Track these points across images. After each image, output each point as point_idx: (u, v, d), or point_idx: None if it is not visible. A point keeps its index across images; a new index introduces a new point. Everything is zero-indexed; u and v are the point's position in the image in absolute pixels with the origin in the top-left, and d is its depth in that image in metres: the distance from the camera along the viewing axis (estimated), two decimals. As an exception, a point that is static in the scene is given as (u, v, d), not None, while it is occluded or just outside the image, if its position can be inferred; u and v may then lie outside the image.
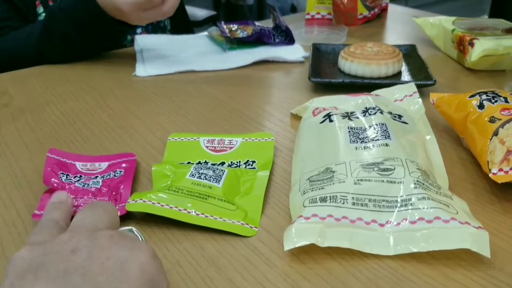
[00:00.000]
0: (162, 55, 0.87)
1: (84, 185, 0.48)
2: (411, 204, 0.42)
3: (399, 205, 0.42)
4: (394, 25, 1.08)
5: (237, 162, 0.54)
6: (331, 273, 0.39)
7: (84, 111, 0.68)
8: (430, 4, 3.92)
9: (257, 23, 0.95)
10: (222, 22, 0.93)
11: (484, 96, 0.53)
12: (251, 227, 0.45)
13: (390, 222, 0.41)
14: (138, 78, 0.79)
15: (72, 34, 0.81)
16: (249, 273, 0.40)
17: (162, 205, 0.44)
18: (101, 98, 0.72)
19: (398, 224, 0.41)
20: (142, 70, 0.81)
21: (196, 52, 0.89)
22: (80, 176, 0.50)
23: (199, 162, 0.53)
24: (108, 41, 0.87)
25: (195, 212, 0.45)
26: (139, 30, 0.99)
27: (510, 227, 0.44)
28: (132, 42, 0.95)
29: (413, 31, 0.99)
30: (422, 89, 0.70)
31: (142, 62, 0.84)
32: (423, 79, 0.71)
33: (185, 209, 0.45)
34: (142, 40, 0.91)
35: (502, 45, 0.75)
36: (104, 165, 0.53)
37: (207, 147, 0.56)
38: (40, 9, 0.92)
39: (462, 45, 0.79)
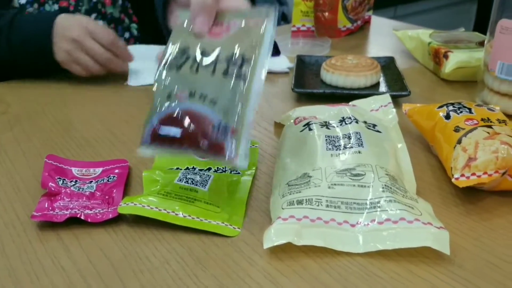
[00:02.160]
0: (154, 65, 0.90)
1: (79, 189, 0.52)
2: (379, 206, 0.46)
3: (368, 207, 0.46)
4: (377, 37, 1.13)
5: (223, 168, 0.57)
6: (306, 270, 0.43)
7: (79, 119, 0.72)
8: (418, 12, 3.99)
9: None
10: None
11: (450, 107, 0.57)
12: (235, 228, 0.48)
13: (360, 222, 0.45)
14: (130, 87, 0.83)
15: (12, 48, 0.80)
16: (232, 270, 0.43)
17: (151, 208, 0.48)
18: (94, 106, 0.76)
19: (367, 224, 0.45)
20: (134, 79, 0.85)
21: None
22: (76, 180, 0.54)
23: (187, 168, 0.57)
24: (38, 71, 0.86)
25: (182, 214, 0.48)
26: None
27: (471, 227, 0.48)
28: None
29: (394, 42, 1.03)
30: (398, 100, 0.74)
31: (134, 71, 0.88)
32: (399, 90, 0.75)
33: (173, 212, 0.48)
34: (133, 51, 0.95)
35: (474, 57, 0.80)
36: (98, 170, 0.56)
37: None
38: None
39: (438, 57, 0.84)
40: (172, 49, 0.50)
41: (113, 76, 0.88)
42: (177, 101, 0.47)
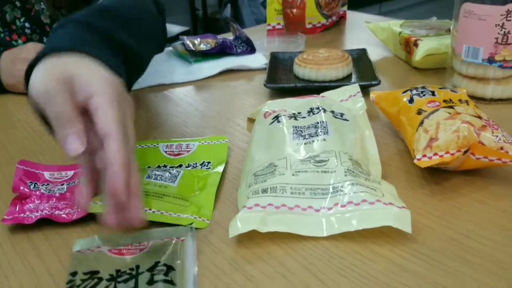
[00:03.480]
0: None
1: (49, 191, 0.52)
2: (342, 190, 0.46)
3: (331, 191, 0.47)
4: (352, 31, 1.14)
5: (194, 164, 0.58)
6: (271, 255, 0.44)
7: (54, 126, 0.72)
8: (403, 8, 4.03)
9: (218, 36, 1.00)
10: (185, 37, 0.97)
11: (414, 91, 0.58)
12: (203, 220, 0.49)
13: (324, 207, 0.46)
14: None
15: None
16: (199, 260, 0.44)
17: (120, 205, 0.49)
18: (70, 113, 0.76)
19: (331, 208, 0.46)
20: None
21: (164, 67, 0.94)
22: (48, 184, 0.55)
23: (159, 166, 0.58)
24: None
25: (151, 210, 0.49)
26: None
27: (435, 207, 0.49)
28: None
29: (369, 35, 1.04)
30: (370, 89, 0.75)
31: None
32: (370, 79, 0.76)
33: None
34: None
35: (444, 44, 0.81)
36: (70, 173, 0.57)
37: (166, 151, 0.60)
38: None
39: (408, 46, 0.85)
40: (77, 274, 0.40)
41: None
42: None
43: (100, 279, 0.39)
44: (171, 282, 0.38)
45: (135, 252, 0.42)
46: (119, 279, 0.39)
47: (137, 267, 0.40)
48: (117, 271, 0.39)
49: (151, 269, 0.39)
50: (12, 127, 0.73)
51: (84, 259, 0.42)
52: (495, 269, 0.41)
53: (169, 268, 0.40)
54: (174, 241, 0.44)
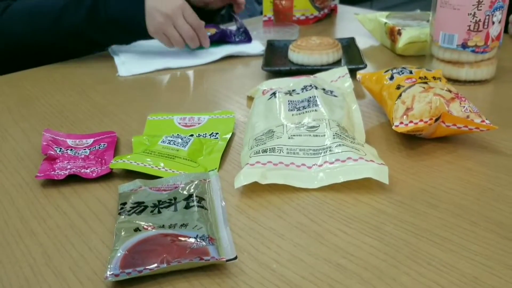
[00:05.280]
0: (140, 57, 0.99)
1: (75, 153, 0.60)
2: (330, 150, 0.54)
3: (321, 151, 0.55)
4: (342, 22, 1.22)
5: (204, 134, 0.65)
6: (270, 203, 0.51)
7: (70, 103, 0.79)
8: (394, 6, 4.12)
9: (221, 26, 1.08)
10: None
11: (394, 71, 0.66)
12: (210, 178, 0.57)
13: (315, 164, 0.54)
14: (119, 76, 0.91)
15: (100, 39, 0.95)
16: (208, 207, 0.51)
17: (138, 164, 0.56)
18: (84, 92, 0.83)
19: (321, 165, 0.54)
20: (124, 70, 0.93)
21: (169, 53, 1.01)
22: (71, 149, 0.62)
23: (172, 135, 0.65)
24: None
25: (164, 168, 0.56)
26: None
27: (410, 166, 0.57)
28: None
29: (358, 27, 1.12)
30: (357, 72, 0.83)
31: (122, 63, 0.95)
32: (358, 64, 0.84)
33: (156, 166, 0.56)
34: (117, 47, 1.03)
35: (424, 33, 0.89)
36: (90, 140, 0.64)
37: (179, 123, 0.68)
38: None
39: (393, 35, 0.93)
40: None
41: (99, 68, 0.96)
42: (147, 232, 0.45)
43: (146, 206, 0.49)
44: (203, 207, 0.48)
45: (171, 189, 0.52)
46: (161, 206, 0.49)
47: (175, 198, 0.50)
48: (159, 201, 0.50)
49: (186, 199, 0.49)
50: (31, 103, 0.80)
51: (131, 195, 0.51)
52: (458, 212, 0.49)
53: (201, 199, 0.50)
54: (201, 181, 0.53)
